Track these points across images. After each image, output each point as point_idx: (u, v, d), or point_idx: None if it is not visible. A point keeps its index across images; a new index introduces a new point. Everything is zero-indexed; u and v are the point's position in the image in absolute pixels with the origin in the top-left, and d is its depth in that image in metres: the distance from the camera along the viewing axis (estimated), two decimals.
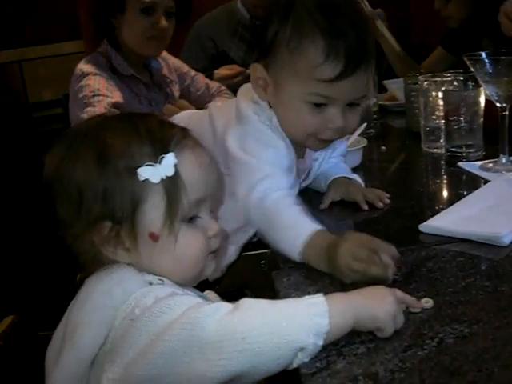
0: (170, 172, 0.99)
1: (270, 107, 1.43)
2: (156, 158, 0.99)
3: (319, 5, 1.31)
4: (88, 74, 2.31)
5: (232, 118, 1.47)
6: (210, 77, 2.91)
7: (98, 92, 2.25)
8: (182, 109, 2.11)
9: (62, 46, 4.51)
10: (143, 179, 0.98)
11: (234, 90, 2.83)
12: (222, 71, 2.96)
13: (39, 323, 1.41)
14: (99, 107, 2.19)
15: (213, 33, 3.27)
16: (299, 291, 1.13)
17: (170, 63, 2.68)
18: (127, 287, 0.96)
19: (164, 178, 0.98)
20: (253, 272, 1.64)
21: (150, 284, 0.99)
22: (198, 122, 1.58)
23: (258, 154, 1.38)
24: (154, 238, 1.00)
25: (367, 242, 1.14)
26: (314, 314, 0.89)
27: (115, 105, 2.22)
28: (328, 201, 1.53)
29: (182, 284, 1.04)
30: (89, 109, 2.22)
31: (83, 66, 2.35)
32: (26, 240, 3.48)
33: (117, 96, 2.28)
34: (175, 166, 0.99)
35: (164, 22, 2.38)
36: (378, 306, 0.94)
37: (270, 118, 1.42)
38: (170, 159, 0.99)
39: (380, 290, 0.98)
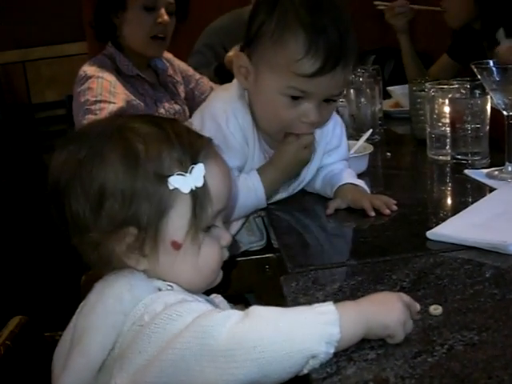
0: (200, 183, 0.99)
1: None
2: (186, 166, 0.99)
3: (305, 0, 1.35)
4: (91, 77, 2.31)
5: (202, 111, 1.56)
6: (222, 62, 2.90)
7: (101, 98, 2.25)
8: None
9: (65, 47, 4.52)
10: (173, 188, 0.97)
11: None
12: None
13: (44, 324, 1.41)
14: (100, 116, 2.19)
15: (226, 41, 3.19)
16: (308, 296, 1.13)
17: (175, 65, 2.69)
18: (137, 293, 0.96)
19: (193, 188, 0.98)
20: (257, 276, 1.64)
21: (160, 290, 0.99)
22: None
23: None
24: (176, 246, 1.00)
25: None
26: (325, 322, 0.88)
27: (118, 112, 2.23)
28: (333, 208, 1.53)
29: (192, 291, 1.04)
30: (90, 116, 2.22)
31: (87, 69, 2.36)
32: (30, 241, 3.48)
33: (120, 100, 2.28)
34: (204, 176, 1.00)
35: (166, 18, 2.41)
36: (389, 314, 0.93)
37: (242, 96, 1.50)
38: (200, 169, 0.99)
39: (389, 297, 0.97)
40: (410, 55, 3.16)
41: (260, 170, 1.54)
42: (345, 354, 0.93)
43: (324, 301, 1.08)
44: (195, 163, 0.99)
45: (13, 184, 3.83)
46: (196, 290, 1.05)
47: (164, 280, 1.01)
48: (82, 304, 1.03)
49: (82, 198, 0.98)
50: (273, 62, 1.37)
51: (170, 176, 0.97)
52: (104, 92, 2.27)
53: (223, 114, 1.49)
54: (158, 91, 2.53)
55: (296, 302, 1.11)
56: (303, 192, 1.74)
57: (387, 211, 1.48)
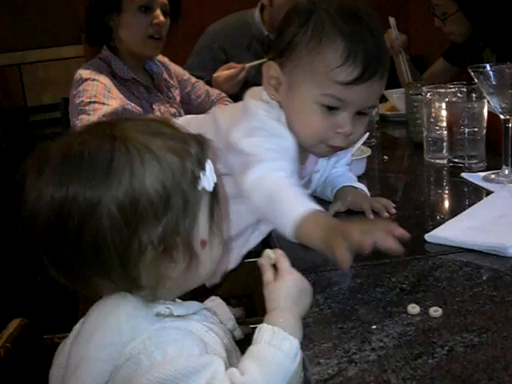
0: (215, 178, 1.00)
1: (281, 107, 1.42)
2: (203, 164, 0.99)
3: (340, 10, 1.32)
4: (87, 80, 2.32)
5: (238, 115, 1.45)
6: (209, 83, 2.91)
7: (95, 99, 2.25)
8: None
9: (61, 50, 4.52)
10: (201, 188, 0.98)
11: (236, 90, 2.85)
12: (223, 72, 2.92)
13: (44, 326, 1.41)
14: (93, 116, 2.20)
15: (226, 44, 3.20)
16: None
17: (170, 69, 2.70)
18: (135, 324, 0.95)
19: (213, 184, 1.00)
20: (254, 278, 1.63)
21: (158, 314, 0.98)
22: (198, 126, 1.53)
23: (263, 143, 1.36)
24: (203, 244, 1.01)
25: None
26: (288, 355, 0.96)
27: (111, 114, 2.23)
28: (334, 210, 1.53)
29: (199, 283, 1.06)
30: (83, 116, 2.23)
31: (82, 72, 2.36)
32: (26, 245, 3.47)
33: (114, 103, 2.28)
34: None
35: (162, 18, 2.41)
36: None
37: (279, 118, 1.41)
38: (210, 166, 1.00)
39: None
40: (405, 71, 3.16)
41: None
42: (346, 356, 0.94)
43: (324, 303, 1.10)
44: (206, 160, 1.00)
45: (8, 187, 3.83)
46: (204, 281, 1.08)
47: (178, 290, 1.02)
48: (77, 327, 1.02)
49: (110, 222, 0.92)
50: (309, 70, 1.34)
51: (199, 177, 0.97)
52: (98, 94, 2.27)
53: (269, 119, 1.42)
54: (153, 94, 2.53)
55: None
56: None
57: (386, 214, 1.49)
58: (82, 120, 2.22)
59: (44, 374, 1.07)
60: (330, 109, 1.35)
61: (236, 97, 2.83)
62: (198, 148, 0.99)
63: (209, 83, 2.91)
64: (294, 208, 1.23)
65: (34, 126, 4.26)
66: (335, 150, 1.46)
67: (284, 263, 1.09)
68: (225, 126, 1.47)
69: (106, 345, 0.93)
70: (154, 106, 2.50)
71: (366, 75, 1.30)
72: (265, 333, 0.98)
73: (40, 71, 4.49)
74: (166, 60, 2.71)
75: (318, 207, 1.24)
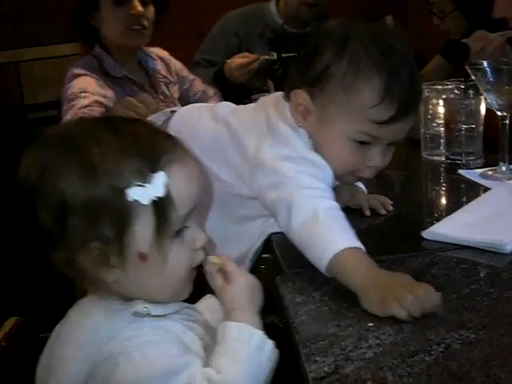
0: (161, 192, 0.95)
1: (309, 137, 1.37)
2: (145, 176, 0.95)
3: (375, 40, 1.27)
4: (78, 76, 2.34)
5: (267, 136, 1.37)
6: (222, 68, 2.92)
7: (85, 90, 2.27)
8: (144, 103, 2.05)
9: (58, 48, 4.50)
10: (132, 200, 0.94)
11: (246, 79, 2.88)
12: (237, 59, 2.92)
13: (40, 325, 1.41)
14: (73, 110, 2.20)
15: (240, 30, 3.21)
16: (304, 296, 1.14)
17: (170, 64, 2.68)
18: (113, 324, 0.96)
19: (154, 198, 0.95)
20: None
21: (136, 314, 0.98)
22: (205, 126, 1.52)
23: (304, 170, 1.30)
24: (142, 257, 0.97)
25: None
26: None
27: (102, 103, 2.24)
28: None
29: (163, 301, 1.03)
30: (74, 102, 2.24)
31: (74, 69, 2.38)
32: (25, 241, 3.47)
33: (97, 96, 2.28)
34: (166, 184, 0.96)
35: (140, 8, 2.41)
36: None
37: (309, 147, 1.36)
38: (160, 179, 0.95)
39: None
40: None
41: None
42: (342, 353, 0.94)
43: (321, 300, 1.10)
44: (155, 171, 0.95)
45: (5, 184, 3.83)
46: (165, 300, 1.03)
47: (139, 296, 1.00)
48: (57, 328, 1.04)
49: (46, 211, 0.96)
50: (344, 107, 1.28)
51: (127, 188, 0.94)
52: (89, 87, 2.29)
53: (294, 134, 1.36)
54: (147, 92, 2.51)
55: (293, 302, 1.12)
56: None
57: (383, 211, 1.49)
58: (75, 106, 2.23)
59: None
60: (362, 143, 1.32)
61: (243, 86, 2.84)
62: (141, 157, 0.96)
63: (220, 68, 2.93)
64: (338, 239, 1.17)
65: (31, 124, 4.25)
66: (362, 178, 1.45)
67: (231, 266, 1.10)
68: (252, 147, 1.39)
69: (83, 344, 0.95)
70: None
71: (402, 113, 1.27)
72: (231, 330, 1.00)
73: (37, 69, 4.48)
74: (165, 55, 2.70)
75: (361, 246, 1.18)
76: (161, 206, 0.95)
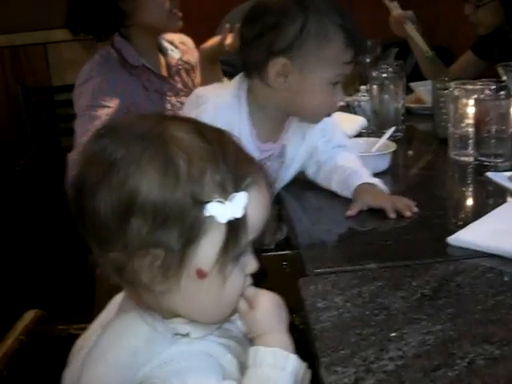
0: (240, 213, 0.90)
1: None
2: (227, 193, 0.90)
3: (328, 6, 1.59)
4: (90, 79, 2.30)
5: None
6: None
7: (96, 103, 2.24)
8: None
9: None
10: (209, 215, 0.89)
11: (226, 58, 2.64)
12: (211, 41, 2.51)
13: (59, 316, 1.41)
14: (91, 125, 2.17)
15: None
16: (326, 301, 1.12)
17: (194, 51, 2.63)
18: (153, 346, 0.92)
19: (232, 218, 0.89)
20: (274, 273, 1.62)
21: (176, 335, 0.94)
22: None
23: None
24: (201, 275, 0.91)
25: None
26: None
27: (114, 114, 2.22)
28: (356, 210, 1.53)
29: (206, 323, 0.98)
30: (82, 122, 2.23)
31: (88, 70, 2.34)
32: (46, 227, 3.49)
33: (117, 104, 2.26)
34: (245, 207, 0.91)
35: None
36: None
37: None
38: (242, 200, 0.90)
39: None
40: (425, 58, 3.08)
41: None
42: (363, 365, 0.92)
43: (343, 306, 1.09)
44: (238, 191, 0.91)
45: (31, 167, 3.84)
46: (209, 323, 0.98)
47: (182, 311, 0.96)
48: (93, 337, 1.00)
49: (109, 204, 0.89)
50: (322, 58, 1.56)
51: (208, 202, 0.88)
52: (100, 94, 2.25)
53: (213, 108, 1.63)
54: (165, 82, 2.48)
55: (314, 307, 1.11)
56: (321, 190, 1.74)
57: (408, 214, 1.47)
58: (82, 128, 2.21)
59: (59, 365, 1.06)
60: (334, 85, 1.61)
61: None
62: (228, 172, 0.91)
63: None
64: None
65: (58, 106, 4.26)
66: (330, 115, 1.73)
67: (250, 291, 1.02)
68: None
69: (119, 367, 0.91)
70: (163, 98, 2.45)
71: (356, 51, 1.60)
72: (264, 355, 0.95)
73: (65, 51, 4.48)
74: (189, 41, 2.66)
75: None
76: (235, 227, 0.91)
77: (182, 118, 1.02)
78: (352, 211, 1.52)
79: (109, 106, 2.23)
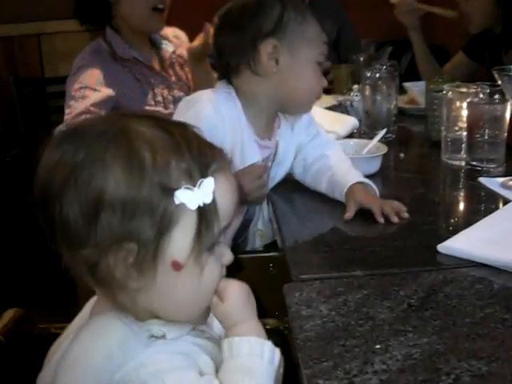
0: (209, 199, 0.90)
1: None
2: (195, 179, 0.90)
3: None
4: (82, 67, 2.31)
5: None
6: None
7: (86, 85, 2.25)
8: None
9: None
10: (179, 203, 0.89)
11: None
12: (197, 41, 2.48)
13: (40, 315, 1.38)
14: (81, 104, 2.20)
15: None
16: (311, 309, 1.10)
17: (187, 44, 2.60)
18: (127, 349, 0.90)
19: (201, 204, 0.90)
20: (261, 275, 1.60)
21: (151, 337, 0.92)
22: None
23: None
24: (176, 267, 0.91)
25: None
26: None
27: (103, 101, 2.22)
28: (352, 211, 1.51)
29: (184, 320, 0.97)
30: (72, 103, 2.24)
31: (80, 59, 2.36)
32: (27, 228, 3.46)
33: (107, 91, 2.26)
34: (213, 191, 0.91)
35: None
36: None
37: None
38: (209, 184, 0.91)
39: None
40: (423, 52, 3.07)
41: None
42: (346, 378, 0.90)
43: (328, 315, 1.06)
44: (205, 177, 0.91)
45: (24, 157, 3.81)
46: (187, 320, 0.98)
47: (159, 308, 0.94)
48: (64, 341, 0.99)
49: (76, 206, 0.88)
50: (306, 37, 1.63)
51: (177, 189, 0.88)
52: (91, 80, 2.25)
53: (210, 104, 1.62)
54: (157, 75, 2.47)
55: (298, 315, 1.08)
56: (309, 192, 1.72)
57: (395, 219, 1.45)
58: (71, 107, 2.22)
59: (39, 365, 1.04)
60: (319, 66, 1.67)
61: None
62: (192, 159, 0.91)
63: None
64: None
65: (50, 97, 4.23)
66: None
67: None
68: None
69: (94, 371, 0.89)
70: (155, 90, 2.43)
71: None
72: (240, 345, 0.95)
73: (58, 42, 4.45)
74: (182, 34, 2.64)
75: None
76: (206, 213, 0.91)
77: (141, 114, 1.00)
78: (350, 213, 1.50)
79: (99, 91, 2.23)
